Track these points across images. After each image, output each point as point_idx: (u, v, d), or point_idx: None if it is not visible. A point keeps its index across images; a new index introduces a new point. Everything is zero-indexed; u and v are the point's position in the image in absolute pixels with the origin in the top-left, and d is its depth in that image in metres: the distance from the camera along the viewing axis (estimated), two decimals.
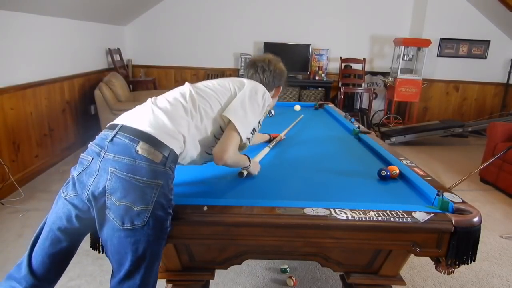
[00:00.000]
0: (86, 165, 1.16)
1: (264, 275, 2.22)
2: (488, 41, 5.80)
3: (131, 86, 5.42)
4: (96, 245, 1.32)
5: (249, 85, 1.47)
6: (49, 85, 3.76)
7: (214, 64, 6.01)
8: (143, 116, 1.23)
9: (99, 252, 1.28)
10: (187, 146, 1.26)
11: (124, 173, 1.09)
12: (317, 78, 5.87)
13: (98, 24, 4.89)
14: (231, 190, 1.46)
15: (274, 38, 5.81)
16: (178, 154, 1.23)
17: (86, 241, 1.31)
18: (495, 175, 3.69)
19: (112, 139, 1.15)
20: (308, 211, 1.20)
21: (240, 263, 1.41)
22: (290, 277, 2.12)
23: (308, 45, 5.79)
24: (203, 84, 1.44)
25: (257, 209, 1.21)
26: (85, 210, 1.17)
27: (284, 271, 2.22)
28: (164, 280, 1.45)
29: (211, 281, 1.49)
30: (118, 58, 5.45)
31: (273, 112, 2.87)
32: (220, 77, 6.03)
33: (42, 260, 1.20)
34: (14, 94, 3.21)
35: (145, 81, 5.70)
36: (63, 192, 1.21)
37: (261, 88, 1.51)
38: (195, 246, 1.36)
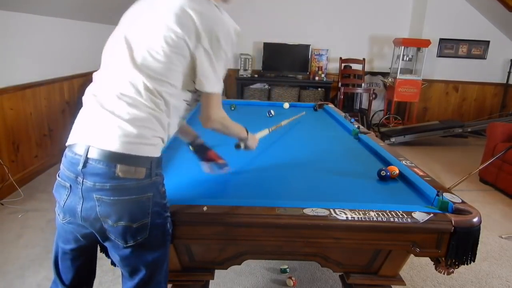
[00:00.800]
0: (67, 193, 1.09)
1: (264, 275, 2.22)
2: (488, 42, 5.81)
3: None
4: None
5: (206, 32, 1.09)
6: (48, 85, 3.75)
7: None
8: (104, 128, 1.05)
9: (100, 252, 1.28)
10: (168, 134, 1.17)
11: (111, 198, 1.03)
12: (316, 78, 5.87)
13: (98, 25, 4.88)
14: (231, 190, 1.46)
15: (274, 38, 5.81)
16: (160, 154, 1.14)
17: None
18: (495, 175, 3.69)
19: (84, 165, 1.04)
20: (308, 211, 1.20)
21: (240, 263, 1.41)
22: (290, 277, 2.12)
23: (308, 45, 5.79)
24: (149, 54, 1.07)
25: (257, 209, 1.21)
26: (87, 229, 1.12)
27: (284, 271, 2.22)
28: None
29: (210, 281, 1.49)
30: None
31: (272, 112, 2.88)
32: None
33: (72, 275, 1.21)
34: (13, 94, 3.21)
35: None
36: (59, 215, 1.15)
37: (221, 27, 1.13)
38: (195, 246, 1.36)
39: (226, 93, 6.06)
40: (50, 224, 2.69)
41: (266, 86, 5.90)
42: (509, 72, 5.90)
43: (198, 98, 1.24)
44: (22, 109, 3.34)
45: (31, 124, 3.48)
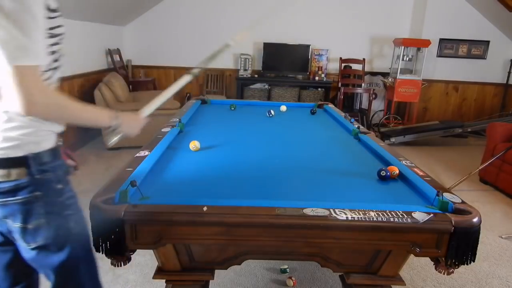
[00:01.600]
0: None
1: (263, 276, 2.22)
2: (488, 42, 5.81)
3: (130, 86, 5.42)
4: (97, 245, 1.32)
5: None
6: None
7: (213, 64, 6.00)
8: None
9: (100, 252, 1.28)
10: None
11: (0, 201, 1.00)
12: (316, 78, 5.87)
13: (98, 25, 4.89)
14: (231, 190, 1.46)
15: (274, 38, 5.81)
16: (48, 147, 1.05)
17: None
18: (495, 175, 3.69)
19: None
20: (308, 211, 1.20)
21: (239, 264, 1.41)
22: (290, 278, 2.12)
23: (308, 45, 5.79)
24: None
25: (256, 210, 1.21)
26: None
27: (283, 271, 2.22)
28: (164, 281, 1.45)
29: (210, 281, 1.49)
30: (118, 59, 5.45)
31: (272, 112, 2.87)
32: (220, 78, 6.06)
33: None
34: None
35: (144, 82, 5.70)
36: None
37: None
38: (194, 246, 1.36)
39: (226, 93, 6.06)
40: None
41: (266, 86, 5.90)
42: (509, 72, 5.90)
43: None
44: None
45: None
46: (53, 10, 1.08)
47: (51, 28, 1.07)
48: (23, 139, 0.99)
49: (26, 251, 1.06)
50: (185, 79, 1.58)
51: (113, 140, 1.24)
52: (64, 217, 1.07)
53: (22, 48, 0.88)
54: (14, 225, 1.02)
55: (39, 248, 1.05)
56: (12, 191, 0.99)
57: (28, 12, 0.89)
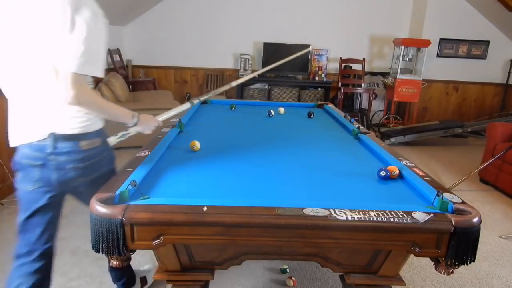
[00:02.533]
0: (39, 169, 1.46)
1: (263, 276, 2.22)
2: (488, 42, 5.81)
3: (130, 86, 5.42)
4: (97, 245, 1.32)
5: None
6: None
7: (213, 65, 6.01)
8: None
9: (100, 252, 1.28)
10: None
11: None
12: (316, 78, 5.87)
13: None
14: (230, 190, 1.46)
15: (273, 38, 5.81)
16: (101, 125, 1.49)
17: (86, 241, 1.31)
18: (495, 175, 3.69)
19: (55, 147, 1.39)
20: (308, 211, 1.20)
21: (239, 264, 1.41)
22: (290, 278, 2.12)
23: (308, 46, 5.78)
24: None
25: (256, 209, 1.21)
26: (53, 191, 1.49)
27: (283, 271, 2.22)
28: (163, 281, 1.45)
29: (210, 281, 1.49)
30: (118, 59, 5.45)
31: (272, 112, 2.88)
32: (220, 78, 6.06)
33: (42, 229, 1.57)
34: None
35: (144, 82, 5.70)
36: (25, 186, 1.53)
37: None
38: (194, 246, 1.36)
39: (226, 93, 6.06)
40: None
41: (266, 86, 5.90)
42: (509, 72, 5.90)
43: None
44: None
45: None
46: None
47: None
48: (94, 119, 1.43)
49: (86, 189, 1.46)
50: (188, 105, 2.09)
51: (118, 140, 1.62)
52: (112, 164, 1.57)
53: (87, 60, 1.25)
54: (90, 177, 1.45)
55: (95, 182, 1.44)
56: (94, 155, 1.44)
57: (101, 38, 1.30)
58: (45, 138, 1.34)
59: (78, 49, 1.20)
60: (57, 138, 1.33)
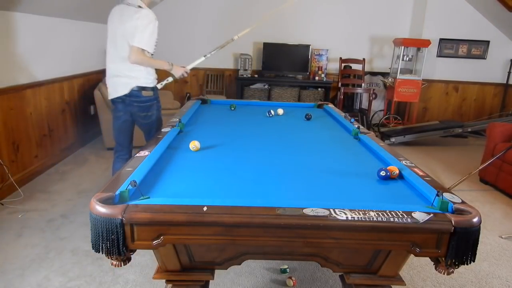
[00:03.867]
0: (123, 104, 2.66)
1: (263, 276, 2.22)
2: (488, 42, 5.81)
3: None
4: (97, 245, 1.32)
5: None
6: (48, 85, 3.75)
7: (213, 64, 6.00)
8: None
9: (100, 252, 1.28)
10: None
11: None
12: (316, 78, 5.87)
13: (98, 25, 4.88)
14: (231, 190, 1.46)
15: (273, 38, 5.81)
16: (155, 83, 2.66)
17: (86, 241, 1.31)
18: (495, 175, 3.69)
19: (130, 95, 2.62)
20: (308, 211, 1.20)
21: (239, 264, 1.41)
22: (290, 278, 2.12)
23: (308, 45, 5.79)
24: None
25: (256, 209, 1.21)
26: (129, 116, 2.72)
27: (283, 271, 2.22)
28: (163, 280, 1.45)
29: (210, 281, 1.49)
30: None
31: (272, 112, 2.88)
32: (220, 78, 6.06)
33: (127, 138, 2.79)
34: (13, 94, 3.21)
35: None
36: (117, 114, 2.70)
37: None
38: (194, 246, 1.36)
39: (226, 93, 6.06)
40: (50, 224, 2.69)
41: (266, 86, 5.90)
42: (509, 72, 5.90)
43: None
44: (22, 109, 3.34)
45: (31, 124, 3.48)
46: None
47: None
48: (151, 79, 2.58)
49: (143, 123, 2.66)
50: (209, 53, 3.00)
51: (162, 84, 2.74)
52: (158, 110, 2.70)
53: (146, 41, 2.43)
54: (143, 114, 2.60)
55: (150, 121, 2.65)
56: (149, 100, 2.58)
57: (154, 31, 2.45)
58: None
59: (144, 35, 2.40)
60: (132, 88, 2.51)
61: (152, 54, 2.50)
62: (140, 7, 2.41)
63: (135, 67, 2.45)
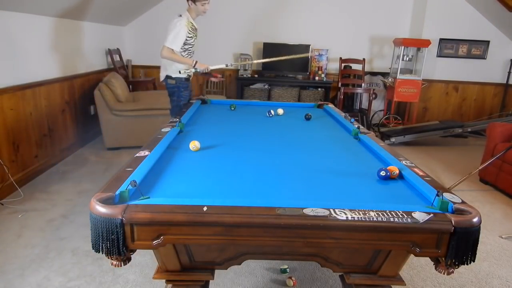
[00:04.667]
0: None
1: (263, 276, 2.22)
2: (488, 42, 5.81)
3: (130, 86, 5.42)
4: (97, 245, 1.32)
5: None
6: (48, 85, 3.75)
7: (214, 64, 6.00)
8: None
9: (100, 252, 1.28)
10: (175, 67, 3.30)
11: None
12: (316, 78, 5.87)
13: (98, 25, 4.88)
14: (230, 190, 1.46)
15: (273, 38, 5.81)
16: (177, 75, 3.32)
17: (86, 241, 1.31)
18: (495, 175, 3.69)
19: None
20: (308, 211, 1.20)
21: (239, 264, 1.41)
22: (290, 278, 2.12)
23: (308, 46, 5.79)
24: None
25: (256, 209, 1.21)
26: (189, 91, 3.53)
27: (283, 271, 2.22)
28: (163, 280, 1.45)
29: (210, 281, 1.49)
30: (118, 58, 5.45)
31: (272, 112, 2.88)
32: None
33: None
34: (13, 94, 3.21)
35: (144, 81, 5.70)
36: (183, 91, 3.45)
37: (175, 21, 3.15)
38: (194, 246, 1.36)
39: (226, 93, 6.06)
40: (50, 224, 2.69)
41: (266, 86, 5.90)
42: (509, 72, 5.90)
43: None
44: (22, 109, 3.34)
45: (31, 124, 3.48)
46: (189, 36, 3.21)
47: (187, 39, 3.20)
48: (175, 71, 3.30)
49: (170, 104, 3.51)
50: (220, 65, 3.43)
51: (186, 71, 3.26)
52: (179, 98, 3.40)
53: (170, 41, 3.13)
54: (169, 97, 3.47)
55: (173, 105, 3.43)
56: (172, 87, 3.36)
57: (178, 33, 3.14)
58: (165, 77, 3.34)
59: (169, 37, 3.08)
60: (166, 77, 3.31)
61: (183, 53, 3.22)
62: (180, 15, 3.15)
63: (164, 61, 3.25)
